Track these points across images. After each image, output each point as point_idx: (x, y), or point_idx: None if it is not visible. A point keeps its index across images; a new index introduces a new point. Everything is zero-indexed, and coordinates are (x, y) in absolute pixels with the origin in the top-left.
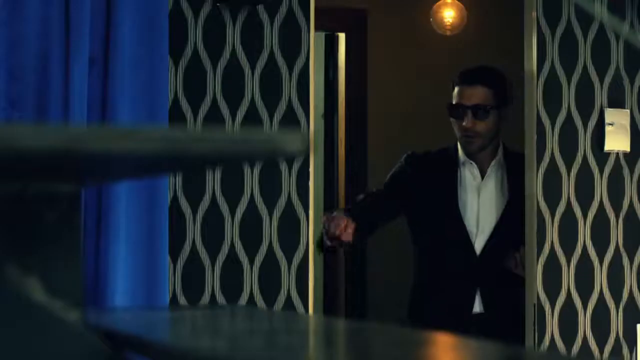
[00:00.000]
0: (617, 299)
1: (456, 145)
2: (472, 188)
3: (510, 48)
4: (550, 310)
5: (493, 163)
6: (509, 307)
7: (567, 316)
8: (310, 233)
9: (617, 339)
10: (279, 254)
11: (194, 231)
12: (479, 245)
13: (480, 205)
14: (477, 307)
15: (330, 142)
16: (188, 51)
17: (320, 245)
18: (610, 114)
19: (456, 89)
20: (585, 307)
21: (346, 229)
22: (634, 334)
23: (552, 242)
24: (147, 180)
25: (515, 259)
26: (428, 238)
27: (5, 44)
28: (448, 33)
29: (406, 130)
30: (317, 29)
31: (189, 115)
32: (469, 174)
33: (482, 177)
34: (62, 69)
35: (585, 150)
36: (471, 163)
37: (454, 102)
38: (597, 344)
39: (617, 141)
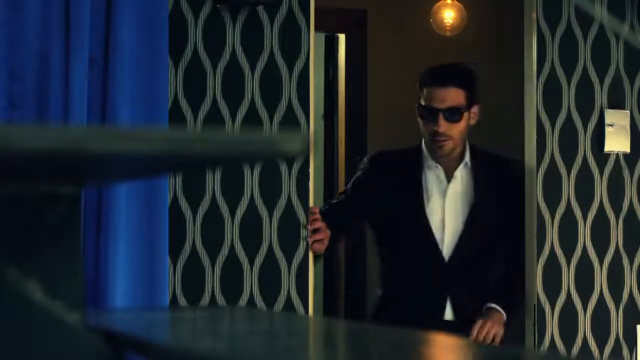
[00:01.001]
0: (617, 299)
1: (420, 145)
2: (438, 192)
3: (510, 49)
4: (550, 311)
5: (461, 166)
6: (480, 313)
7: (567, 317)
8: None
9: (617, 339)
10: (279, 254)
11: (194, 232)
12: (447, 251)
13: (446, 210)
14: (448, 315)
15: (330, 142)
16: (188, 52)
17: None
18: (610, 115)
19: (425, 90)
20: (585, 308)
21: (322, 240)
22: (634, 335)
23: (552, 243)
24: (147, 180)
25: (480, 328)
26: (394, 244)
27: (5, 44)
28: (448, 34)
29: (406, 130)
30: (317, 29)
31: (188, 115)
32: (434, 177)
33: (448, 180)
34: (62, 70)
35: (585, 151)
36: (437, 166)
37: (423, 104)
38: (597, 345)
39: (617, 142)
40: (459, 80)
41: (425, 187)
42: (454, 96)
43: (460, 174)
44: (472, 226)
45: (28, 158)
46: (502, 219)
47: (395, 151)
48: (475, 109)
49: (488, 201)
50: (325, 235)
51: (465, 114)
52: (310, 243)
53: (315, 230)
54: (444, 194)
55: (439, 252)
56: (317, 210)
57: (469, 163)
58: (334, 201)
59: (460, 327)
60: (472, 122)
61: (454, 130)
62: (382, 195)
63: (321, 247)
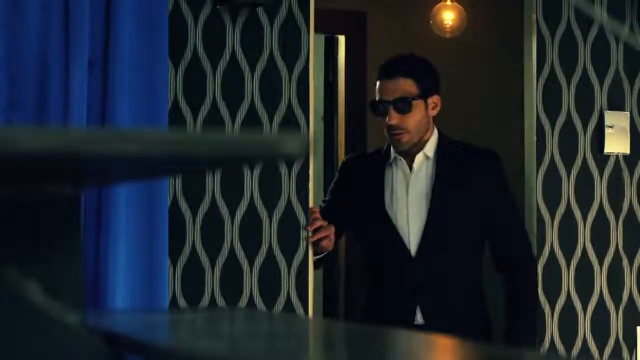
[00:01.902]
0: (616, 301)
1: (389, 143)
2: (402, 185)
3: (510, 50)
4: (550, 312)
5: (420, 158)
6: (453, 315)
7: (567, 318)
8: (311, 240)
9: (617, 341)
10: (279, 256)
11: (193, 233)
12: (413, 248)
13: (409, 202)
14: (419, 318)
15: (330, 144)
16: (188, 53)
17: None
18: (610, 117)
19: (377, 84)
20: (585, 309)
21: (328, 237)
22: (634, 336)
23: (551, 244)
24: (147, 182)
25: None
26: (365, 246)
27: (4, 45)
28: (448, 35)
29: None
30: (316, 31)
31: (188, 117)
32: (399, 172)
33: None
34: (62, 71)
35: (585, 153)
36: (400, 159)
37: (376, 99)
38: (597, 346)
39: (616, 143)
40: (407, 71)
41: (390, 184)
42: (402, 87)
43: (419, 166)
44: (434, 221)
45: (28, 159)
46: (473, 214)
47: (365, 154)
48: (434, 99)
49: (450, 194)
50: (330, 231)
51: (419, 104)
52: (314, 242)
53: (316, 231)
54: (406, 186)
55: (405, 249)
56: (316, 209)
57: (430, 155)
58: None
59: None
60: (433, 112)
61: (408, 122)
62: (351, 199)
63: (329, 244)
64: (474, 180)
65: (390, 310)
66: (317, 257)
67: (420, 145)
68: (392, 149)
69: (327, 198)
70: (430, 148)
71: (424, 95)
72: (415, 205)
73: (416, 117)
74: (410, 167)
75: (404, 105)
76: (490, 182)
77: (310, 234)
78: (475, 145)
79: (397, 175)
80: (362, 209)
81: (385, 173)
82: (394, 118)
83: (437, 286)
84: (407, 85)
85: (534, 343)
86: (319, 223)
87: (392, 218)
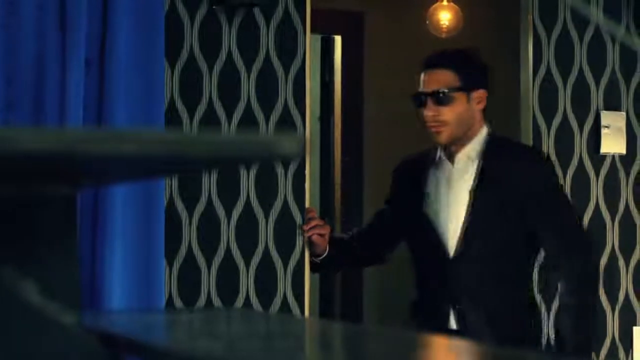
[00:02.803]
0: (613, 301)
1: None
2: (443, 185)
3: (506, 50)
4: (546, 312)
5: (462, 154)
6: (493, 322)
7: None
8: (306, 235)
9: (613, 341)
10: (275, 256)
11: (190, 234)
12: (452, 247)
13: (449, 203)
14: (452, 323)
15: (326, 144)
16: (184, 53)
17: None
18: (606, 117)
19: (418, 76)
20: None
21: (323, 236)
22: (630, 337)
23: None
24: (143, 182)
25: None
26: (409, 246)
27: (1, 46)
28: (444, 35)
29: (402, 133)
30: (313, 31)
31: (185, 117)
32: (441, 170)
33: (455, 173)
34: (58, 72)
35: (581, 153)
36: (444, 159)
37: (416, 91)
38: (594, 347)
39: (612, 144)
40: (449, 62)
41: (432, 184)
42: (442, 78)
43: (462, 165)
44: (474, 222)
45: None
46: (518, 215)
47: (417, 154)
48: (480, 93)
49: (493, 194)
50: (325, 230)
51: (461, 97)
52: (308, 241)
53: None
54: (448, 185)
55: (444, 251)
56: (313, 210)
57: (473, 153)
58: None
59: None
60: (478, 107)
61: (447, 115)
62: (399, 201)
63: (321, 240)
64: (519, 180)
65: (425, 314)
66: (318, 259)
67: (464, 142)
68: (439, 148)
69: (385, 202)
70: (474, 146)
71: (466, 88)
72: (456, 206)
73: (456, 110)
74: (453, 166)
75: (442, 97)
76: (536, 182)
77: (303, 232)
78: (524, 145)
79: (439, 175)
80: (405, 210)
81: (429, 173)
82: (430, 110)
83: (474, 290)
84: (447, 77)
85: (589, 348)
86: (314, 222)
87: (432, 219)
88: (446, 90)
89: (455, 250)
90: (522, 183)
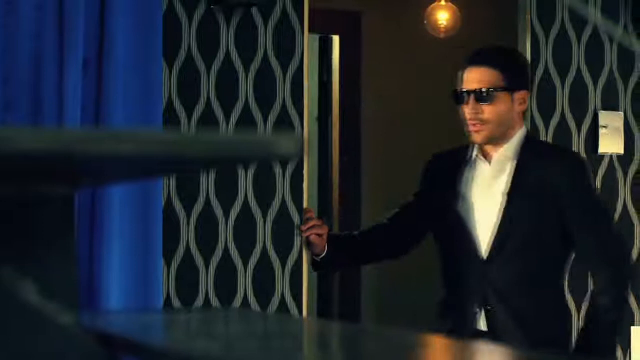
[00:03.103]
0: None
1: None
2: (478, 184)
3: None
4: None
5: (499, 154)
6: (524, 324)
7: None
8: (304, 236)
9: None
10: (273, 256)
11: (188, 234)
12: (485, 248)
13: (484, 203)
14: (482, 324)
15: (325, 144)
16: (182, 53)
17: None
18: (604, 117)
19: (461, 73)
20: (579, 309)
21: (321, 236)
22: (628, 337)
23: None
24: (141, 182)
25: None
26: (439, 244)
27: None
28: (442, 35)
29: (401, 132)
30: (311, 31)
31: (183, 117)
32: (476, 170)
33: (491, 173)
34: (56, 72)
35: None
36: (480, 157)
37: (457, 88)
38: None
39: (610, 144)
40: (494, 61)
41: (467, 182)
42: (485, 76)
43: (498, 165)
44: (509, 224)
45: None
46: (553, 218)
47: (452, 150)
48: (522, 94)
49: (528, 196)
50: (323, 230)
51: (504, 97)
52: (305, 238)
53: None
54: (484, 185)
55: (476, 252)
56: (311, 210)
57: (510, 154)
58: (396, 210)
59: (494, 341)
60: (520, 108)
61: (489, 114)
62: (430, 197)
63: (319, 240)
64: (556, 182)
65: (454, 314)
66: (318, 257)
67: (501, 142)
68: (474, 146)
69: (414, 193)
70: (511, 147)
71: (509, 88)
72: (491, 207)
73: (498, 109)
74: (489, 166)
75: (486, 95)
76: (572, 186)
77: (303, 234)
78: (561, 147)
79: (474, 174)
80: (438, 207)
81: (464, 171)
82: (472, 108)
83: (506, 292)
84: (491, 76)
85: (614, 349)
86: (312, 222)
87: (465, 218)
88: (490, 89)
89: (488, 252)
90: (559, 185)
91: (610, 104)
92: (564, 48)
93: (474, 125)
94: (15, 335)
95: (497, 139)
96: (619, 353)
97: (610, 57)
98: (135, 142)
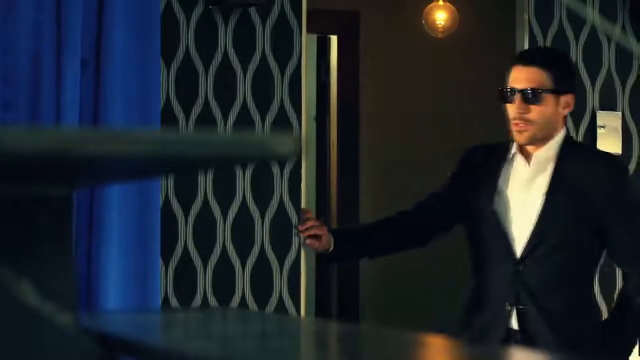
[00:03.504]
0: (608, 300)
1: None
2: (516, 183)
3: (502, 50)
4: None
5: (540, 154)
6: (555, 324)
7: None
8: (302, 237)
9: None
10: (271, 256)
11: (186, 233)
12: (519, 247)
13: (521, 202)
14: (513, 322)
15: (322, 144)
16: (180, 53)
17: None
18: (602, 117)
19: (510, 70)
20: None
21: (320, 238)
22: None
23: None
24: (139, 182)
25: None
26: (470, 240)
27: None
28: (440, 35)
29: (399, 132)
30: (309, 31)
31: (181, 117)
32: (515, 168)
33: (530, 172)
34: (54, 71)
35: None
36: (519, 156)
37: (505, 86)
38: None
39: (608, 144)
40: (544, 62)
41: (504, 180)
42: (535, 76)
43: (538, 165)
44: (545, 224)
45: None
46: (588, 221)
47: (490, 144)
48: (568, 98)
49: (566, 198)
50: (322, 231)
51: (550, 98)
52: (303, 238)
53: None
54: (522, 185)
55: (511, 251)
56: (309, 210)
57: (550, 155)
58: (430, 193)
59: (524, 339)
60: (564, 111)
61: (535, 115)
62: (465, 189)
63: (316, 244)
64: (593, 186)
65: (485, 313)
66: (326, 253)
67: (543, 143)
68: (514, 144)
69: (443, 183)
70: (552, 148)
71: (557, 90)
72: (528, 206)
73: (545, 111)
74: (530, 165)
75: (533, 96)
76: (610, 190)
77: (300, 234)
78: (600, 151)
79: (513, 172)
80: (472, 202)
81: (502, 168)
82: (519, 107)
83: (539, 291)
84: (540, 76)
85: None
86: (310, 223)
87: (501, 216)
88: (538, 90)
89: (523, 250)
90: (598, 188)
91: (608, 104)
92: (562, 48)
93: (519, 124)
94: (13, 336)
95: (539, 140)
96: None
97: (608, 56)
98: (133, 142)
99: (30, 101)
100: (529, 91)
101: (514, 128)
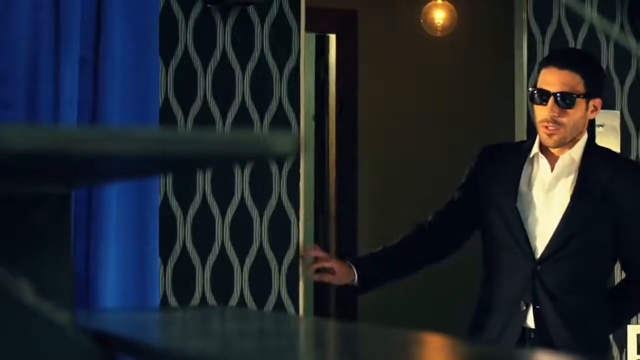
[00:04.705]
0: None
1: (534, 138)
2: (540, 184)
3: (500, 49)
4: None
5: (565, 157)
6: (571, 325)
7: None
8: (300, 234)
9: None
10: (270, 255)
11: (184, 232)
12: (539, 248)
13: (544, 203)
14: (530, 321)
15: (321, 143)
16: (179, 52)
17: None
18: (601, 116)
19: (541, 72)
20: None
21: (332, 271)
22: (625, 335)
23: None
24: (137, 181)
25: None
26: (488, 237)
27: None
28: (438, 34)
29: (397, 131)
30: (307, 30)
31: (179, 116)
32: (539, 170)
33: (552, 174)
34: (52, 70)
35: None
36: (542, 157)
37: (536, 87)
38: None
39: (607, 142)
40: (577, 66)
41: (527, 180)
42: (568, 80)
43: (562, 168)
44: (567, 226)
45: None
46: (609, 225)
47: (504, 144)
48: (596, 102)
49: (589, 201)
50: (332, 264)
51: (581, 103)
52: (319, 277)
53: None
54: (545, 187)
55: (530, 251)
56: (313, 248)
57: (576, 158)
58: (444, 204)
59: (540, 338)
60: (591, 115)
61: (566, 118)
62: (484, 188)
63: (327, 277)
64: (616, 190)
65: (502, 311)
66: (352, 285)
67: (568, 146)
68: (535, 143)
69: (461, 187)
70: (577, 151)
71: (588, 95)
72: (550, 208)
73: (575, 115)
74: (552, 167)
75: (567, 99)
76: (632, 195)
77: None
78: (621, 155)
79: (536, 173)
80: (493, 200)
81: (523, 169)
82: (553, 111)
83: (556, 293)
84: (574, 80)
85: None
86: (318, 265)
87: (523, 216)
88: (573, 94)
89: (544, 251)
90: (621, 192)
91: (607, 103)
92: (560, 46)
93: (549, 127)
94: (11, 334)
95: (566, 143)
96: (616, 352)
97: (607, 55)
98: (132, 141)
99: (29, 100)
100: (563, 94)
101: (543, 130)
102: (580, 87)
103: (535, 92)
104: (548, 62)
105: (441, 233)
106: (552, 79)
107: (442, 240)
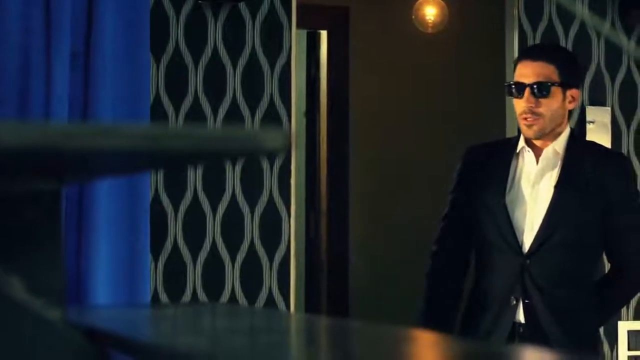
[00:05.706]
0: None
1: (520, 133)
2: (525, 178)
3: (491, 45)
4: None
5: (549, 150)
6: (561, 319)
7: None
8: (292, 230)
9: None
10: (261, 251)
11: (175, 228)
12: (527, 241)
13: (530, 197)
14: (520, 316)
15: (312, 139)
16: (170, 48)
17: None
18: (591, 112)
19: (517, 66)
20: None
21: None
22: (615, 332)
23: None
24: (128, 177)
25: None
26: (476, 234)
27: None
28: (430, 30)
29: (388, 128)
30: (298, 26)
31: (170, 112)
32: (524, 162)
33: (537, 167)
34: (43, 66)
35: None
36: (528, 151)
37: (513, 80)
38: None
39: (598, 139)
40: (551, 56)
41: (513, 175)
42: (542, 70)
43: (546, 160)
44: (554, 219)
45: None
46: (595, 216)
47: (490, 142)
48: (573, 92)
49: (574, 193)
50: None
51: (557, 92)
52: None
53: None
54: (530, 180)
55: (518, 245)
56: None
57: (559, 150)
58: (441, 227)
59: (530, 333)
60: (570, 106)
61: (543, 108)
62: (473, 187)
63: None
64: (600, 181)
65: (492, 306)
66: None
67: (551, 138)
68: (521, 138)
69: (453, 190)
70: (560, 143)
71: (564, 84)
72: (537, 201)
73: (552, 104)
74: (537, 160)
75: (542, 89)
76: (617, 185)
77: None
78: (604, 147)
79: (521, 167)
80: (483, 198)
81: (509, 164)
82: (529, 101)
83: (545, 286)
84: (548, 70)
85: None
86: None
87: (510, 211)
88: (547, 83)
89: (532, 244)
90: (605, 183)
91: (598, 99)
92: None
93: (528, 118)
94: (2, 332)
95: (547, 135)
96: (606, 348)
97: (598, 52)
98: (123, 137)
99: (19, 96)
100: (538, 84)
101: (523, 122)
102: (555, 77)
103: (512, 85)
104: (523, 56)
105: (455, 262)
106: (527, 72)
107: (460, 264)
